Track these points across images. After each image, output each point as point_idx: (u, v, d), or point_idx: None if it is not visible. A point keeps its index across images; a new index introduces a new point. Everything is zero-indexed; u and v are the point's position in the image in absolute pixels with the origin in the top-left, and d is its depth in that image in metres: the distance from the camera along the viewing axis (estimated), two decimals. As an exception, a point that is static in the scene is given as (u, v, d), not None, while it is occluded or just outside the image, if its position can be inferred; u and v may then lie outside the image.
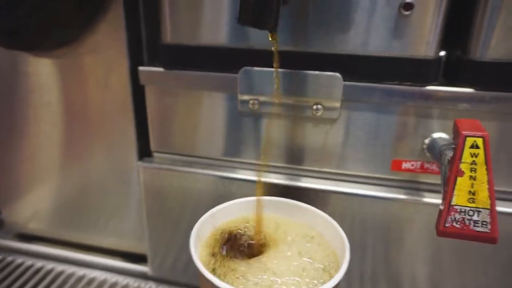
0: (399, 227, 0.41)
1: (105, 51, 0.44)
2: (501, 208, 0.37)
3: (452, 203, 0.26)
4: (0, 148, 0.53)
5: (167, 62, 0.41)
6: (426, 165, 0.38)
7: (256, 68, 0.38)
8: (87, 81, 0.46)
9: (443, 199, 0.27)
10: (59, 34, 0.43)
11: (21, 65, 0.47)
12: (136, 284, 0.52)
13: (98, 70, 0.45)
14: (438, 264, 0.41)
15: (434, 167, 0.38)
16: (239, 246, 0.33)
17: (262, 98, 0.39)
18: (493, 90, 0.34)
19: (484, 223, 0.26)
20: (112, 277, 0.53)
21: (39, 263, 0.55)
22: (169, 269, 0.51)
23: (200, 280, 0.29)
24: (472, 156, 0.26)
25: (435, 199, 0.39)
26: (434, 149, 0.34)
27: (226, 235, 0.34)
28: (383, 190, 0.40)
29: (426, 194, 0.39)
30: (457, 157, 0.26)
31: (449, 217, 0.26)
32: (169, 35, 0.40)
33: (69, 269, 0.54)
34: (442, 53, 0.35)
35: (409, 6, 0.33)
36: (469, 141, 0.26)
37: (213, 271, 0.30)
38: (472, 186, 0.26)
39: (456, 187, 0.26)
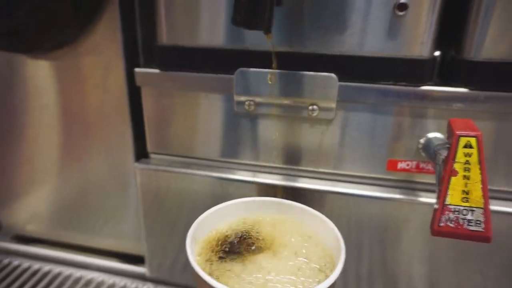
0: (395, 227, 0.41)
1: (101, 53, 0.44)
2: (496, 207, 0.37)
3: (446, 202, 0.26)
4: (-2, 150, 0.53)
5: (163, 63, 0.41)
6: (421, 165, 0.38)
7: (251, 69, 0.38)
8: (84, 83, 0.46)
9: (437, 198, 0.27)
10: (59, 34, 0.43)
11: (18, 67, 0.47)
12: (133, 285, 0.52)
13: (95, 72, 0.45)
14: (434, 263, 0.41)
15: (430, 167, 0.38)
16: (235, 247, 0.33)
17: (258, 99, 0.39)
18: (487, 89, 0.34)
19: (478, 222, 0.26)
20: (109, 279, 0.53)
21: (36, 265, 0.55)
22: (167, 270, 0.51)
23: (197, 281, 0.29)
24: (465, 156, 0.26)
25: (431, 199, 0.39)
26: (429, 149, 0.34)
27: (223, 237, 0.34)
28: (379, 190, 0.40)
29: (421, 193, 0.39)
30: (451, 156, 0.26)
31: (443, 217, 0.26)
32: (164, 37, 0.40)
33: (66, 270, 0.54)
34: (437, 53, 0.36)
35: (403, 7, 0.33)
36: (463, 140, 0.26)
37: (210, 273, 0.30)
38: (466, 185, 0.26)
39: (450, 186, 0.26)
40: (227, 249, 0.33)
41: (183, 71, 0.41)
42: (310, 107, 0.38)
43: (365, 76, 0.36)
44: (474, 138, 0.26)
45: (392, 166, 0.38)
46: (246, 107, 0.40)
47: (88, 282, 0.52)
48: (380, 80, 0.36)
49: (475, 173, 0.26)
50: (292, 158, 0.42)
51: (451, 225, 0.27)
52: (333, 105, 0.38)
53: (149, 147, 0.47)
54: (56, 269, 0.54)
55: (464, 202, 0.26)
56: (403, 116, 0.37)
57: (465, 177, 0.26)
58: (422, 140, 0.37)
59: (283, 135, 0.41)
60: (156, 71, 0.42)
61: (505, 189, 0.37)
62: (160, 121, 0.44)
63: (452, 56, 0.35)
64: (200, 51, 0.39)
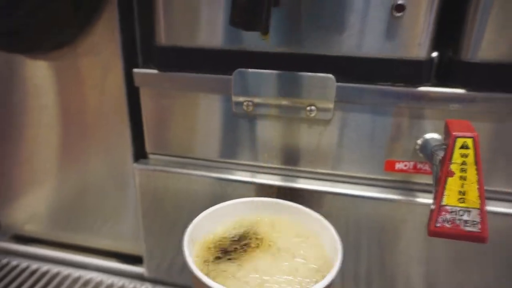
0: (393, 227, 0.41)
1: (100, 53, 0.44)
2: (493, 208, 0.37)
3: (443, 203, 0.26)
4: (-3, 150, 0.53)
5: (161, 64, 0.41)
6: (419, 166, 0.38)
7: (250, 70, 0.39)
8: (83, 83, 0.46)
9: (434, 199, 0.28)
10: (59, 34, 0.43)
11: (17, 68, 0.48)
12: (131, 285, 0.52)
13: (93, 72, 0.45)
14: (432, 264, 0.41)
15: (427, 167, 0.38)
16: (232, 248, 0.33)
17: (256, 100, 0.40)
18: (484, 90, 0.34)
19: (474, 222, 0.26)
20: (108, 279, 0.53)
21: (34, 265, 0.55)
22: (165, 270, 0.51)
23: (194, 282, 0.29)
24: (462, 157, 0.26)
25: (429, 199, 0.39)
26: (426, 150, 0.34)
27: (220, 237, 0.34)
28: (377, 190, 0.40)
29: (419, 194, 0.39)
30: (447, 157, 0.26)
31: (440, 217, 0.26)
32: (163, 37, 0.40)
33: (65, 270, 0.54)
34: (434, 54, 0.36)
35: (400, 8, 0.33)
36: (459, 141, 0.26)
37: (207, 273, 0.30)
38: (462, 186, 0.26)
39: (447, 187, 0.26)
40: (224, 249, 0.33)
41: (182, 71, 0.41)
42: (308, 108, 0.38)
43: (362, 77, 0.36)
44: (470, 139, 0.26)
45: (390, 166, 0.39)
46: (245, 107, 0.40)
47: (87, 282, 0.52)
48: (377, 81, 0.36)
49: (472, 173, 0.26)
50: (291, 158, 0.42)
51: (448, 225, 0.27)
52: (331, 105, 0.38)
53: (148, 147, 0.47)
54: (55, 269, 0.54)
55: (460, 202, 0.26)
56: (401, 116, 0.37)
57: (461, 177, 0.26)
58: (419, 141, 0.37)
59: (282, 136, 0.41)
60: (155, 71, 0.42)
61: (502, 189, 0.38)
62: (159, 121, 0.45)
63: (449, 57, 0.35)
64: (199, 51, 0.39)
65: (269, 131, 0.41)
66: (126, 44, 0.43)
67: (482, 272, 0.40)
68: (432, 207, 0.28)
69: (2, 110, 0.50)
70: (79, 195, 0.52)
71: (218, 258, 0.32)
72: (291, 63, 0.38)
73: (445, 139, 0.29)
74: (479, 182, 0.26)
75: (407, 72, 0.35)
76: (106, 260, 0.54)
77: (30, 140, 0.51)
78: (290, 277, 0.29)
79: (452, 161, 0.26)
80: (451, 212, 0.26)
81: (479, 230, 0.26)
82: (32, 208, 0.56)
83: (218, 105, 0.42)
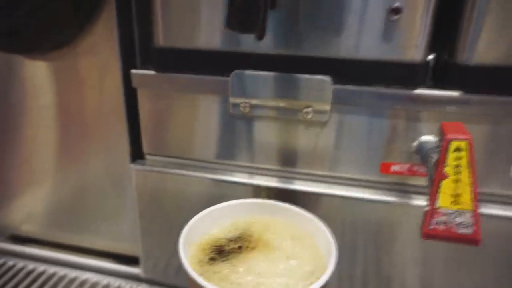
0: (388, 229, 0.41)
1: (99, 54, 0.44)
2: (488, 210, 0.37)
3: (437, 205, 0.27)
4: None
5: (159, 65, 0.42)
6: (414, 168, 0.38)
7: (247, 72, 0.39)
8: (81, 83, 0.46)
9: (428, 201, 0.28)
10: (59, 34, 0.43)
11: (16, 68, 0.48)
12: (128, 286, 0.52)
13: (92, 72, 0.45)
14: (428, 265, 0.41)
15: (422, 169, 0.38)
16: (227, 249, 0.33)
17: (253, 101, 0.40)
18: (480, 93, 0.34)
19: (468, 225, 0.26)
20: (104, 279, 0.53)
21: (31, 265, 0.55)
22: (161, 271, 0.51)
23: (189, 283, 0.29)
24: (456, 159, 0.26)
25: (424, 201, 0.39)
26: (421, 152, 0.35)
27: (215, 239, 0.34)
28: (373, 192, 0.41)
29: (415, 196, 0.40)
30: (441, 160, 0.26)
31: (434, 220, 0.27)
32: (161, 38, 0.40)
33: (61, 271, 0.54)
34: (431, 57, 0.36)
35: (397, 11, 0.33)
36: (453, 144, 0.26)
37: (201, 274, 0.30)
38: (456, 188, 0.26)
39: (441, 189, 0.26)
40: (219, 251, 0.33)
41: (179, 72, 0.41)
42: (305, 110, 0.38)
43: (359, 79, 0.37)
44: (464, 142, 0.26)
45: (385, 168, 0.39)
46: (242, 109, 0.40)
47: (83, 283, 0.52)
48: (374, 83, 0.36)
49: (465, 176, 0.26)
50: (288, 160, 0.42)
51: (441, 228, 0.27)
52: (327, 107, 0.38)
53: (145, 148, 0.47)
54: (51, 269, 0.54)
55: (454, 205, 0.26)
56: (397, 119, 0.37)
57: (455, 180, 0.26)
58: (415, 143, 0.37)
59: (279, 137, 0.41)
60: (152, 72, 0.42)
61: (497, 192, 0.38)
62: (156, 122, 0.45)
63: (445, 59, 0.36)
64: (196, 53, 0.40)
65: (266, 133, 0.41)
66: (125, 45, 0.43)
67: (477, 274, 0.40)
68: (426, 209, 0.28)
69: (1, 109, 0.50)
70: (76, 196, 0.52)
71: (213, 259, 0.32)
72: (288, 65, 0.38)
73: (440, 141, 0.29)
74: (473, 184, 0.26)
75: (403, 74, 0.35)
76: (102, 261, 0.54)
77: (28, 140, 0.51)
78: (285, 279, 0.29)
79: (446, 164, 0.26)
80: (445, 214, 0.26)
81: (472, 233, 0.26)
82: (29, 208, 0.56)
83: (215, 106, 0.42)
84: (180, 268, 0.50)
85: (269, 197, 0.39)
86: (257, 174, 0.44)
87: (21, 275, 0.53)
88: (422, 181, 0.39)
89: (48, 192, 0.53)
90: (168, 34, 0.40)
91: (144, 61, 0.44)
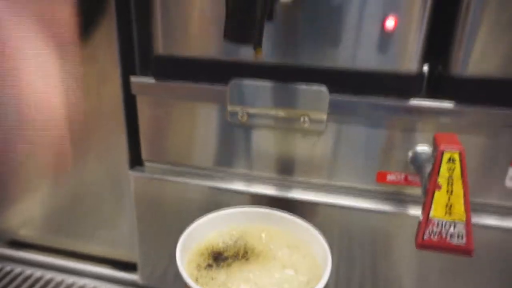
0: (384, 239, 0.41)
1: (98, 61, 0.45)
2: (483, 221, 0.38)
3: (430, 216, 0.27)
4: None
5: (159, 73, 0.42)
6: (410, 178, 0.38)
7: (245, 81, 0.39)
8: (80, 90, 0.47)
9: (422, 212, 0.28)
10: None
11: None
12: (125, 292, 0.52)
13: (91, 79, 0.46)
14: (424, 275, 0.42)
15: (418, 179, 0.38)
16: (224, 257, 0.33)
17: (251, 110, 0.40)
18: (474, 104, 0.35)
19: (460, 235, 0.26)
20: (101, 285, 0.53)
21: (28, 271, 0.55)
22: (159, 277, 0.51)
23: (185, 289, 0.29)
24: (449, 171, 0.26)
25: (419, 211, 0.39)
26: (416, 162, 0.35)
27: (212, 246, 0.35)
28: (370, 201, 0.41)
29: (411, 206, 0.40)
30: (434, 171, 0.27)
31: (427, 230, 0.27)
32: (160, 47, 0.40)
33: (58, 276, 0.54)
34: (426, 68, 0.36)
35: (392, 23, 0.34)
36: (446, 155, 0.26)
37: (197, 280, 0.30)
38: (449, 199, 0.26)
39: (434, 200, 0.27)
40: (215, 258, 0.33)
41: (178, 81, 0.41)
42: (302, 119, 0.39)
43: (355, 89, 0.37)
44: (457, 153, 0.26)
45: (381, 178, 0.39)
46: (240, 117, 0.41)
47: (80, 289, 0.52)
48: (369, 94, 0.37)
49: (458, 187, 0.26)
50: (285, 168, 0.43)
51: (435, 238, 0.27)
52: (324, 117, 0.38)
53: (144, 154, 0.47)
54: (48, 275, 0.54)
55: (447, 216, 0.27)
56: (392, 129, 0.38)
57: (448, 191, 0.26)
58: (410, 153, 0.37)
59: (276, 146, 0.42)
60: (152, 80, 0.42)
61: (491, 202, 0.38)
62: (155, 129, 0.45)
63: (439, 71, 0.36)
64: (195, 61, 0.40)
65: (263, 141, 0.42)
66: (124, 53, 0.44)
67: (473, 284, 0.40)
68: (420, 219, 0.28)
69: None
70: (75, 201, 0.53)
71: (210, 265, 0.32)
72: (285, 75, 0.38)
73: (433, 152, 0.29)
74: (465, 195, 0.26)
75: (398, 85, 0.36)
76: (100, 267, 0.55)
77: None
78: None
79: (440, 175, 0.27)
80: (438, 225, 0.27)
81: (465, 243, 0.26)
82: (27, 213, 0.56)
83: (213, 114, 0.42)
84: (177, 275, 0.50)
85: (266, 205, 0.39)
86: (254, 182, 0.44)
87: (18, 280, 0.53)
88: (418, 191, 0.39)
89: (47, 197, 0.54)
90: (167, 42, 0.40)
91: (143, 69, 0.44)
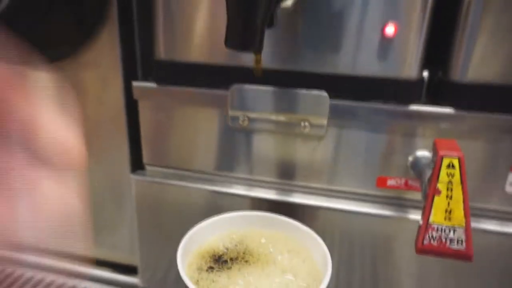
0: (385, 243, 0.41)
1: (100, 66, 0.45)
2: (483, 225, 0.38)
3: (430, 221, 0.27)
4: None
5: (160, 78, 0.42)
6: (410, 182, 0.38)
7: (246, 86, 0.39)
8: (83, 94, 0.47)
9: (422, 217, 0.28)
10: (60, 47, 0.44)
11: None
12: (125, 296, 0.52)
13: (93, 84, 0.46)
14: (425, 279, 0.42)
15: (418, 184, 0.38)
16: (224, 261, 0.33)
17: (252, 115, 0.40)
18: (473, 110, 0.35)
19: (460, 241, 0.27)
20: (102, 289, 0.53)
21: (29, 273, 0.55)
22: (160, 281, 0.51)
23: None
24: (448, 176, 0.27)
25: (419, 216, 0.39)
26: (416, 167, 0.35)
27: (213, 250, 0.35)
28: (370, 206, 0.41)
29: (411, 210, 0.40)
30: (434, 176, 0.27)
31: (427, 235, 0.27)
32: (162, 52, 0.41)
33: (59, 279, 0.54)
34: (425, 74, 0.37)
35: (392, 30, 0.34)
36: (446, 161, 0.27)
37: (197, 283, 0.30)
38: (448, 204, 0.27)
39: (434, 205, 0.27)
40: (216, 261, 0.33)
41: (180, 86, 0.42)
42: (302, 124, 0.39)
43: (356, 95, 0.37)
44: (456, 159, 0.26)
45: (381, 183, 0.39)
46: (240, 122, 0.41)
47: (81, 292, 0.52)
48: (370, 99, 0.37)
49: (457, 192, 0.26)
50: (285, 173, 0.43)
51: (435, 243, 0.27)
52: (324, 122, 0.39)
53: (145, 159, 0.47)
54: (49, 277, 0.54)
55: (446, 221, 0.27)
56: (392, 134, 0.38)
57: (448, 196, 0.27)
58: (410, 158, 0.38)
59: (277, 150, 0.42)
60: (153, 85, 0.43)
61: (491, 207, 0.38)
62: (156, 133, 0.45)
63: (439, 77, 0.36)
64: (197, 66, 0.40)
65: (264, 146, 0.42)
66: (126, 57, 0.44)
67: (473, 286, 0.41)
68: (420, 224, 0.28)
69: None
70: (76, 204, 0.53)
71: (210, 268, 0.32)
72: (286, 80, 0.38)
73: (433, 157, 0.29)
74: (465, 201, 0.26)
75: (398, 91, 0.36)
76: (100, 270, 0.55)
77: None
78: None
79: (439, 180, 0.27)
80: (438, 230, 0.27)
81: (464, 249, 0.26)
82: (28, 216, 0.56)
83: (214, 119, 0.42)
84: (178, 278, 0.50)
85: (266, 210, 0.39)
86: (255, 186, 0.44)
87: (19, 283, 0.53)
88: (419, 196, 0.39)
89: (48, 200, 0.54)
90: (169, 47, 0.40)
91: (145, 74, 0.45)
